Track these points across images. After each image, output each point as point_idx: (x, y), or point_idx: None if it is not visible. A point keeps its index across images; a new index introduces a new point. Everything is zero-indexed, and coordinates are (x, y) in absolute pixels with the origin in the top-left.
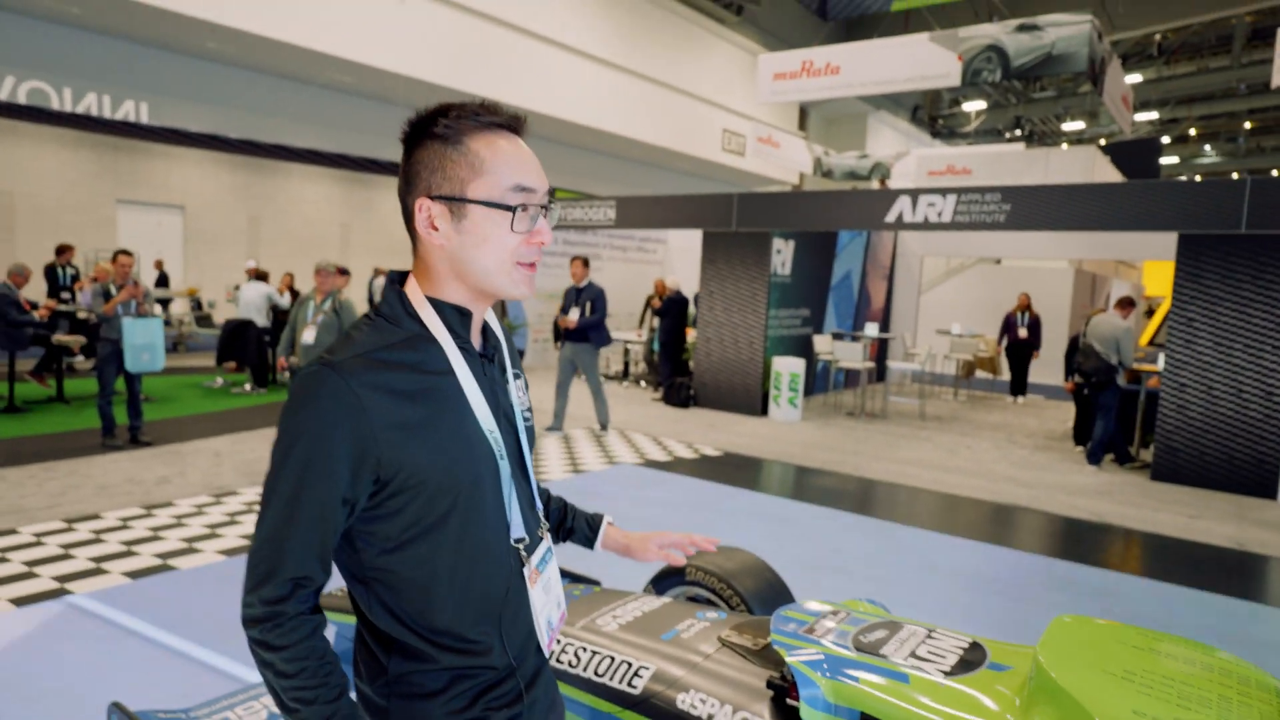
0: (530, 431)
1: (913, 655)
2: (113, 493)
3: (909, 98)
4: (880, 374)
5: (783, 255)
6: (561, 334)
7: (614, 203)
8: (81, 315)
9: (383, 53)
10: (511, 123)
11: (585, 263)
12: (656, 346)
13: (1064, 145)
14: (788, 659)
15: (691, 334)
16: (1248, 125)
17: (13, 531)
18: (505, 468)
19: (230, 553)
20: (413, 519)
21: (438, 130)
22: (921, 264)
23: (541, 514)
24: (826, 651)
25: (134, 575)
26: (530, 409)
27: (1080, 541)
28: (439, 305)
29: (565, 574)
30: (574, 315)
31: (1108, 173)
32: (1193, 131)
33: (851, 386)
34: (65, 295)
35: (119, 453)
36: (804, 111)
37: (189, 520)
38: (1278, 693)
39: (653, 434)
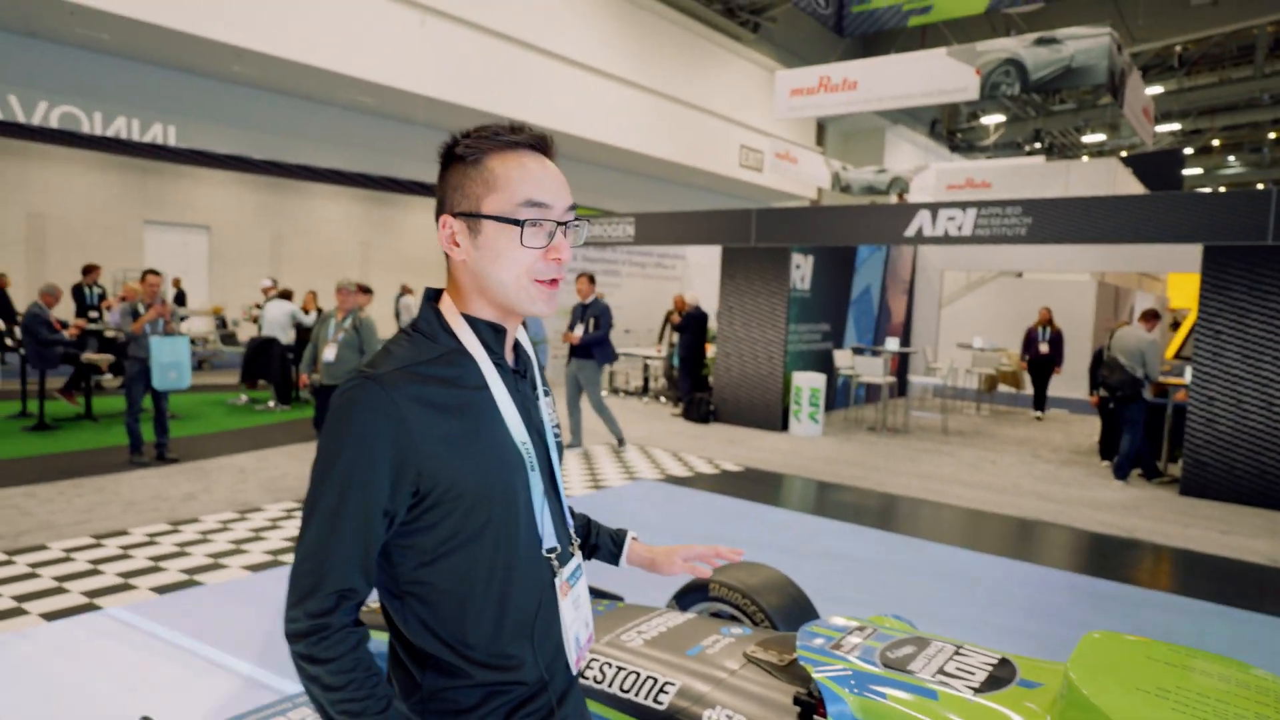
0: (560, 448)
1: (941, 672)
2: (140, 509)
3: (927, 112)
4: (901, 389)
5: (802, 270)
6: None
7: (633, 219)
8: (110, 334)
9: (404, 74)
10: (533, 141)
11: (591, 279)
12: (676, 362)
13: (1085, 158)
14: (814, 675)
15: (711, 349)
16: (1272, 135)
17: (43, 547)
18: (537, 480)
19: (255, 568)
20: (450, 531)
21: (459, 151)
22: (942, 277)
23: (571, 530)
24: (853, 668)
25: (161, 590)
26: (559, 425)
27: (1108, 557)
28: (473, 321)
29: (589, 590)
30: (578, 331)
31: (1130, 185)
32: (1216, 142)
33: (872, 401)
34: (92, 314)
35: (146, 469)
36: (821, 126)
37: (214, 536)
38: None
39: (673, 449)
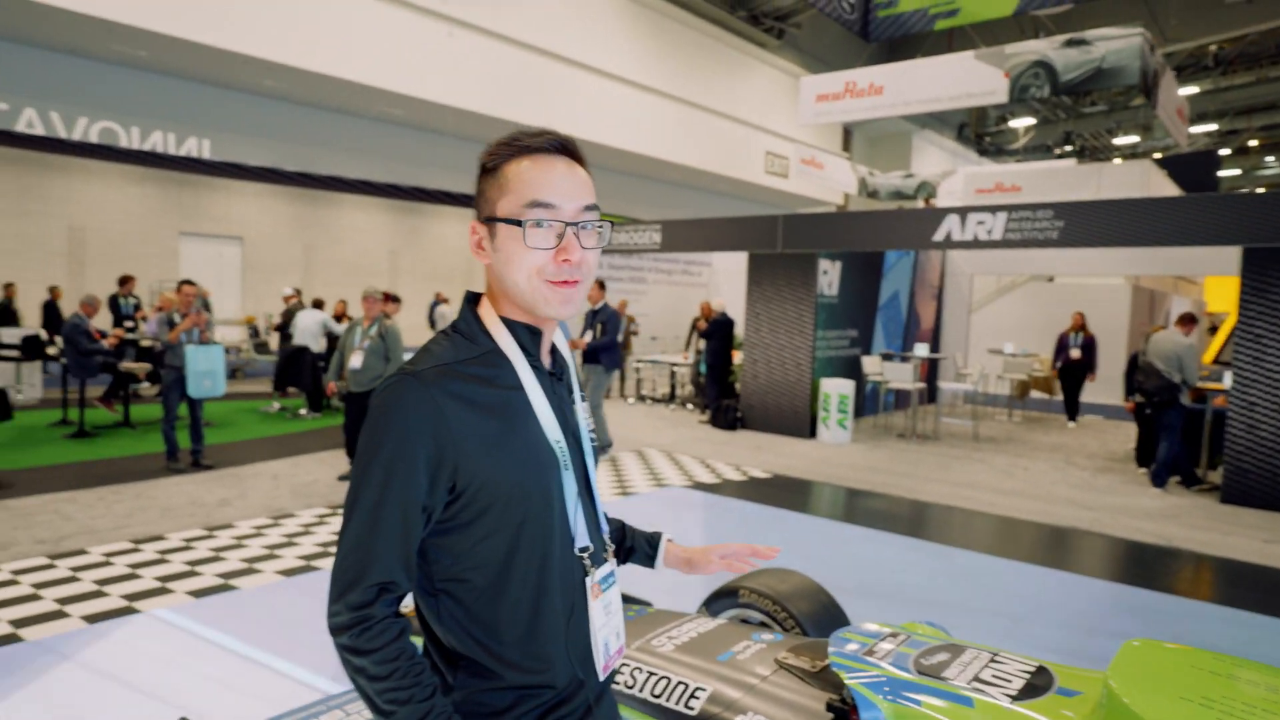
0: (595, 452)
1: (976, 679)
2: (176, 514)
3: (954, 116)
4: (931, 395)
5: (829, 276)
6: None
7: (659, 226)
8: (146, 343)
9: (432, 86)
10: (552, 145)
11: (601, 285)
12: (703, 369)
13: (1117, 160)
14: (848, 681)
15: (738, 356)
16: None
17: (84, 552)
18: (571, 480)
19: (289, 573)
20: (486, 530)
21: (483, 161)
22: (971, 282)
23: (606, 536)
24: (887, 674)
25: (198, 594)
26: (593, 429)
27: (1147, 566)
28: (510, 324)
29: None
30: (586, 337)
31: (1164, 187)
32: (1253, 143)
33: (902, 408)
34: (128, 324)
35: (182, 476)
36: (847, 132)
37: (249, 541)
38: None
39: (700, 456)
